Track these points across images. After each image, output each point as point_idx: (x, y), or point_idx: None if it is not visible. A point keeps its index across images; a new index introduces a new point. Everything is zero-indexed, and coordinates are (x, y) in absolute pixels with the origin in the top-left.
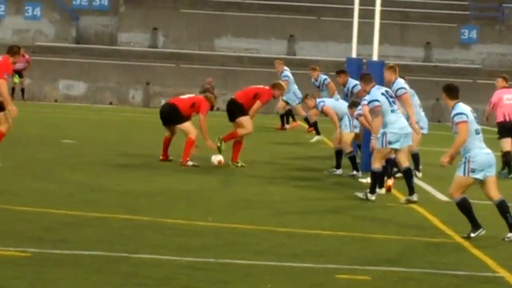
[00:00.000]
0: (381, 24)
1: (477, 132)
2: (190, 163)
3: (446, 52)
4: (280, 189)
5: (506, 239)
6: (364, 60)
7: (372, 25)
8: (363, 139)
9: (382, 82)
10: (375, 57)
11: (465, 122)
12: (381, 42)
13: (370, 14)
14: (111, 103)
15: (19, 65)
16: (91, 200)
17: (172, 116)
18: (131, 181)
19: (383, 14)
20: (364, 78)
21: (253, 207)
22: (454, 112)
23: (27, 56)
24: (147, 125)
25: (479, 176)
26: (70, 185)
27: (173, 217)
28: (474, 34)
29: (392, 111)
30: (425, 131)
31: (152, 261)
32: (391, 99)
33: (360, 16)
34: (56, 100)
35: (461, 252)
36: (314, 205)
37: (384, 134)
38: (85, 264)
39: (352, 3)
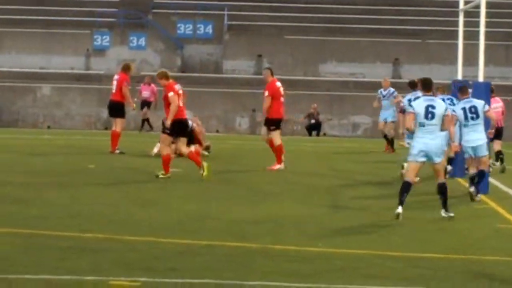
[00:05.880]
0: (486, 45)
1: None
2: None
3: None
4: (389, 211)
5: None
6: (470, 82)
7: (476, 46)
8: None
9: (488, 103)
10: (480, 78)
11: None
12: (486, 63)
13: (475, 36)
14: (217, 131)
15: (145, 94)
16: (199, 228)
17: None
18: (239, 208)
19: (487, 35)
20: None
21: (362, 232)
22: None
23: (152, 86)
24: (254, 152)
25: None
26: (177, 214)
27: (283, 243)
28: None
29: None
30: None
31: None
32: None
33: (464, 38)
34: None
35: None
36: (423, 227)
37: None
38: None
39: (457, 25)
